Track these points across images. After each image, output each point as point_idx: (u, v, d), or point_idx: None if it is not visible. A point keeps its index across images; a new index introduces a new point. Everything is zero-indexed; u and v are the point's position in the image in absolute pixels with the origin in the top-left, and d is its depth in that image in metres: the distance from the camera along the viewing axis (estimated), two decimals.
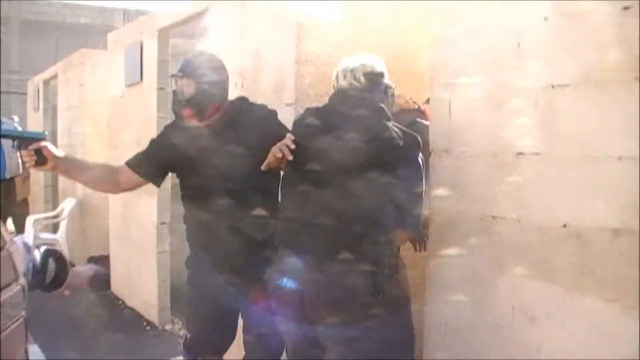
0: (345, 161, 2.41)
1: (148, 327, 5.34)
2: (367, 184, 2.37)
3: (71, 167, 3.03)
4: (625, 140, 1.96)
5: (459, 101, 2.49)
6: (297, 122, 2.79)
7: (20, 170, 7.46)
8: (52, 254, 2.13)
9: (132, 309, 5.76)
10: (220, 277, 2.93)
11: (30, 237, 6.11)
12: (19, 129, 8.33)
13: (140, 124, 5.50)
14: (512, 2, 2.27)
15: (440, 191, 2.58)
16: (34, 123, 9.59)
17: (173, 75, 3.04)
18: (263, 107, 3.15)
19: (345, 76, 2.64)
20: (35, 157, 2.81)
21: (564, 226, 2.10)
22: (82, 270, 2.41)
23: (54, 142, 7.89)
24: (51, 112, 9.31)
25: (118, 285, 6.15)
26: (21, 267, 1.91)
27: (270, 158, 2.52)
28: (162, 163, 3.09)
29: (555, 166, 2.14)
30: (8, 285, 1.82)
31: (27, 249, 2.08)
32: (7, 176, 7.52)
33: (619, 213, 1.97)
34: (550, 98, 2.14)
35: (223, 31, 4.26)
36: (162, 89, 5.19)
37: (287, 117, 3.52)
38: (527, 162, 2.22)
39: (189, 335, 3.21)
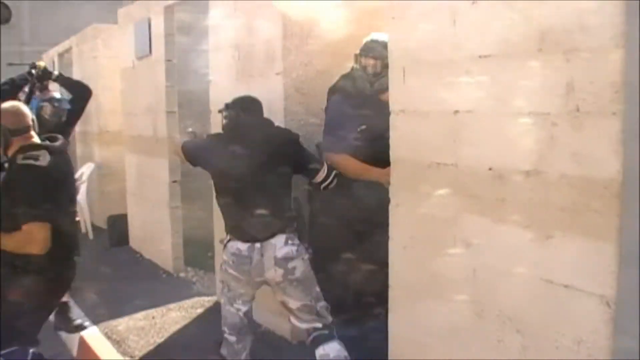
0: None
1: (164, 275, 5.97)
2: None
3: None
4: (532, 100, 2.47)
5: (412, 69, 3.01)
6: None
7: None
8: None
9: (149, 261, 6.39)
10: None
11: None
12: None
13: (150, 93, 6.04)
14: None
15: (397, 143, 3.12)
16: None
17: None
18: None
19: None
20: None
21: (490, 169, 2.63)
22: None
23: None
24: None
25: (136, 240, 6.76)
26: None
27: None
28: None
29: (483, 121, 2.66)
30: None
31: None
32: None
33: (529, 158, 2.49)
34: (479, 66, 2.66)
35: (221, 7, 4.77)
36: (169, 61, 5.73)
37: (277, 86, 4.06)
38: (462, 118, 2.75)
39: None
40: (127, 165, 6.80)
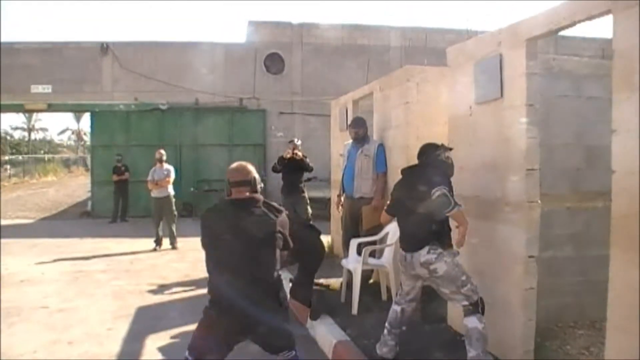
0: None
1: None
2: None
3: None
4: None
5: None
6: None
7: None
8: None
9: None
10: None
11: (354, 261, 5.87)
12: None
13: (495, 144, 5.00)
14: None
15: None
16: (340, 143, 9.58)
17: None
18: None
19: None
20: None
21: None
22: None
23: None
24: None
25: (459, 318, 5.66)
26: None
27: None
28: None
29: None
30: None
31: None
32: (356, 196, 7.60)
33: None
34: None
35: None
36: (531, 105, 4.63)
37: None
38: None
39: None
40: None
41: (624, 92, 3.62)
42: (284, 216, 3.95)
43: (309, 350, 5.97)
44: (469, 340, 4.62)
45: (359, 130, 7.81)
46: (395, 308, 5.17)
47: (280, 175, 10.89)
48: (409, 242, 4.94)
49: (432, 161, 5.01)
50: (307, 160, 10.66)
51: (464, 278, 4.69)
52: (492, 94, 5.03)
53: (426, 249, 4.74)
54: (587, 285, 5.93)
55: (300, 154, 10.54)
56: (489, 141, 5.11)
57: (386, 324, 5.19)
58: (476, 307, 4.64)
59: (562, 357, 5.05)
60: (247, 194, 3.97)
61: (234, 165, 4.13)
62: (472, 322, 4.61)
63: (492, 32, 5.15)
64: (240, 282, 3.75)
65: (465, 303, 4.67)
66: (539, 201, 4.67)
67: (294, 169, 10.61)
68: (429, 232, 4.77)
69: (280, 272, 3.99)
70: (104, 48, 20.30)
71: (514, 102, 4.76)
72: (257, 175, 4.10)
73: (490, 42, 5.11)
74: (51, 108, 20.44)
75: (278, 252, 3.90)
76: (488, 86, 5.08)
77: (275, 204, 4.02)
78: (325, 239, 10.85)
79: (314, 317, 6.40)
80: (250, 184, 4.01)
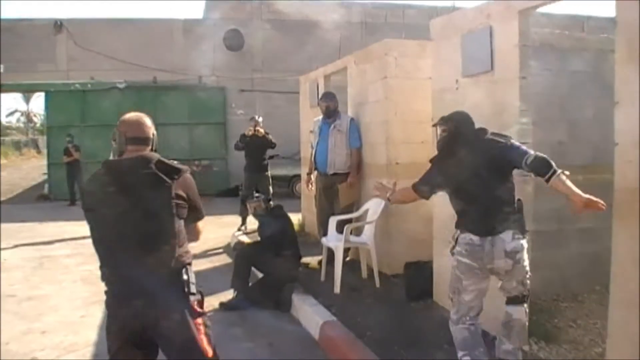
0: None
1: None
2: None
3: None
4: None
5: None
6: None
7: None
8: None
9: None
10: None
11: (335, 239, 5.74)
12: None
13: (485, 119, 4.90)
14: None
15: None
16: (310, 119, 9.42)
17: None
18: None
19: None
20: None
21: None
22: None
23: None
24: None
25: (443, 293, 5.62)
26: None
27: None
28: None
29: None
30: None
31: None
32: (330, 172, 7.50)
33: None
34: None
35: None
36: (523, 78, 4.56)
37: None
38: None
39: None
40: (436, 205, 5.65)
41: (628, 64, 3.56)
42: (185, 177, 3.17)
43: (292, 332, 5.86)
44: (507, 329, 4.14)
45: (330, 104, 7.73)
46: (460, 327, 4.16)
47: (242, 153, 10.89)
48: (486, 223, 3.95)
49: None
50: (270, 136, 10.70)
51: (528, 268, 4.05)
52: (481, 67, 4.94)
53: (509, 233, 3.91)
54: (568, 259, 5.96)
55: (262, 130, 10.65)
56: (478, 115, 4.97)
57: (461, 352, 4.16)
58: (525, 298, 4.11)
59: (552, 330, 5.03)
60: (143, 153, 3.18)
61: (132, 116, 3.30)
62: (519, 312, 4.10)
63: (481, 3, 5.06)
64: (129, 265, 3.02)
65: (519, 295, 4.08)
66: (532, 175, 4.61)
67: (256, 146, 10.68)
68: (511, 210, 3.99)
69: (186, 248, 3.20)
70: (58, 25, 19.73)
71: (505, 75, 4.69)
72: (155, 133, 3.32)
73: (480, 14, 5.01)
74: (4, 88, 19.77)
75: (178, 222, 3.13)
76: (477, 59, 4.98)
77: (174, 162, 3.16)
78: (296, 217, 10.86)
79: (285, 309, 6.32)
80: (152, 142, 3.28)
